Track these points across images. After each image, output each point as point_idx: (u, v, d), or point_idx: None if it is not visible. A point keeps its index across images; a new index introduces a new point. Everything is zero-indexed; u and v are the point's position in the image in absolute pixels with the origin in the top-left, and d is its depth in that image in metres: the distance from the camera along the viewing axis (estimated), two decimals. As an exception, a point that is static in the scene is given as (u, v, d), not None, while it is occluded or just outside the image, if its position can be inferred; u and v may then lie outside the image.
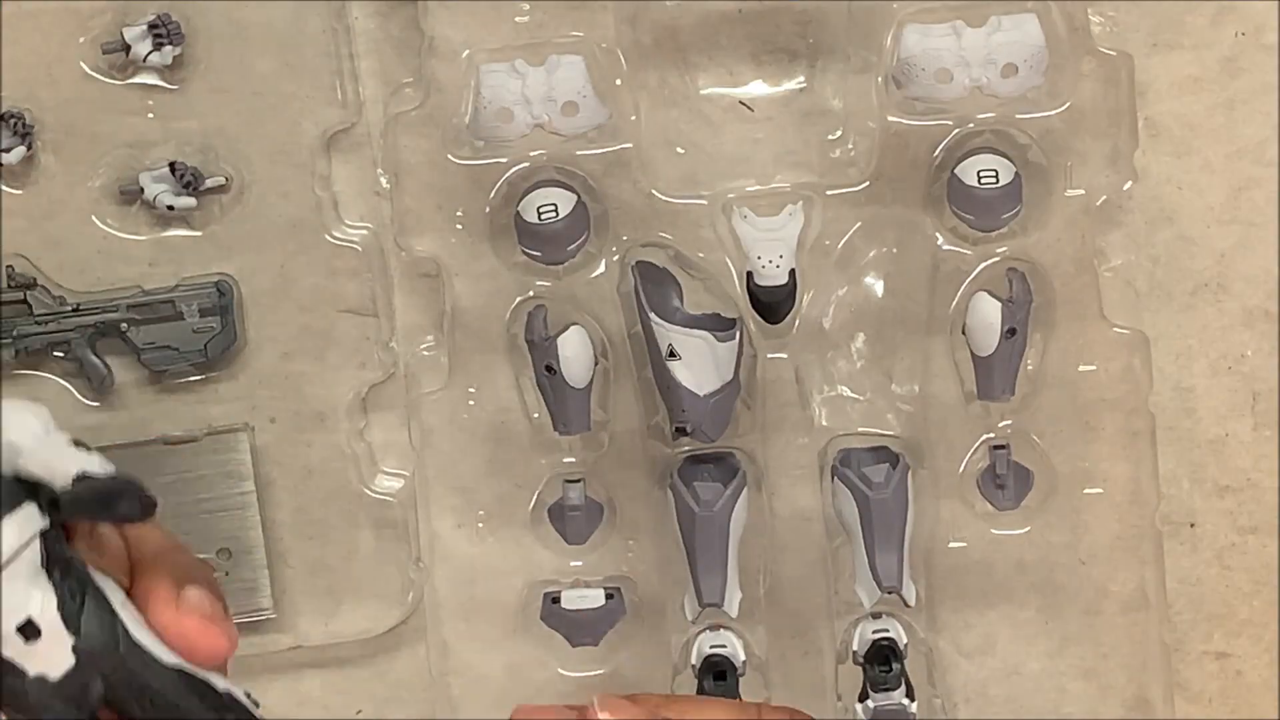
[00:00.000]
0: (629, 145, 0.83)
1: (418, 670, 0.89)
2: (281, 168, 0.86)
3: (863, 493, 0.83)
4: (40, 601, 0.54)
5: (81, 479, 0.53)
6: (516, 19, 0.84)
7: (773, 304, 0.83)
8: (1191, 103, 0.86)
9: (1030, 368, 0.85)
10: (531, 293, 0.85)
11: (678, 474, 0.84)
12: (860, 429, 0.86)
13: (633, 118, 0.83)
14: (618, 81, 0.83)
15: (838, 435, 0.86)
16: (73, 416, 0.87)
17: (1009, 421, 0.86)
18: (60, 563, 0.54)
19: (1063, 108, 0.83)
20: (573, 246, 0.84)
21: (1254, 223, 0.87)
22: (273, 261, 0.87)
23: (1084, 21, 0.83)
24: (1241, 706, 0.90)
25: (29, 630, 0.54)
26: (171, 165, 0.85)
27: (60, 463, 0.53)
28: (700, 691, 0.85)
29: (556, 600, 0.87)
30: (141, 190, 0.85)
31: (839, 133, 0.85)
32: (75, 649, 0.54)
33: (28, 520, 0.53)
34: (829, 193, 0.84)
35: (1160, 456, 0.87)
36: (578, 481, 0.87)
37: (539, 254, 0.84)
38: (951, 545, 0.87)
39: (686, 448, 0.85)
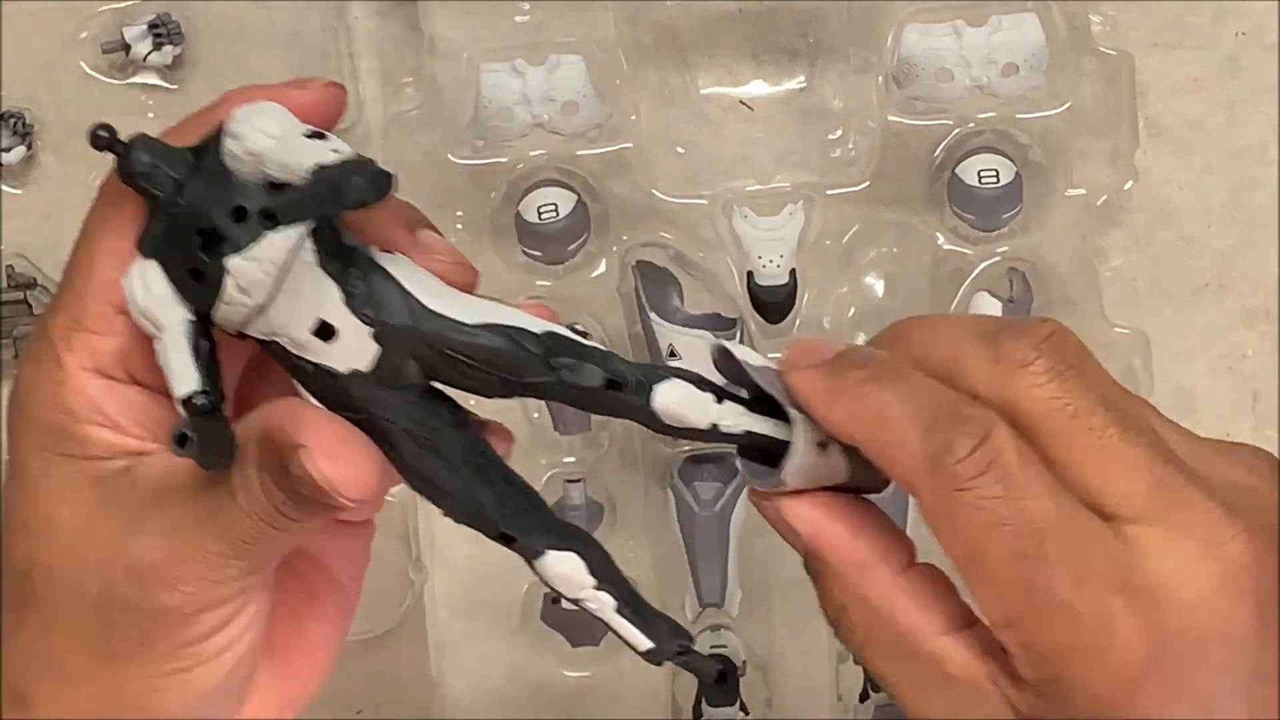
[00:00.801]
0: (629, 145, 0.83)
1: (418, 670, 0.89)
2: (281, 168, 0.86)
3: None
4: (327, 301, 0.53)
5: (317, 172, 0.52)
6: (516, 19, 0.84)
7: (773, 304, 0.83)
8: (1192, 103, 0.86)
9: (1030, 368, 0.85)
10: (532, 293, 0.85)
11: (678, 474, 0.84)
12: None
13: (633, 118, 0.83)
14: (618, 81, 0.83)
15: (838, 435, 0.86)
16: (73, 416, 0.87)
17: (1009, 421, 0.86)
18: (337, 255, 0.54)
19: (1063, 108, 0.83)
20: (573, 246, 0.84)
21: (1254, 223, 0.87)
22: (273, 261, 0.86)
23: (1084, 21, 0.83)
24: (1242, 706, 0.90)
25: (324, 331, 0.54)
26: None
27: (296, 160, 0.52)
28: (700, 692, 0.85)
29: (556, 600, 0.87)
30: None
31: (839, 133, 0.85)
32: (375, 336, 0.54)
33: (297, 231, 0.52)
34: (829, 193, 0.84)
35: (1160, 456, 0.87)
36: (578, 481, 0.86)
37: (539, 254, 0.84)
38: (952, 545, 0.87)
39: (686, 448, 0.85)
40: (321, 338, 0.54)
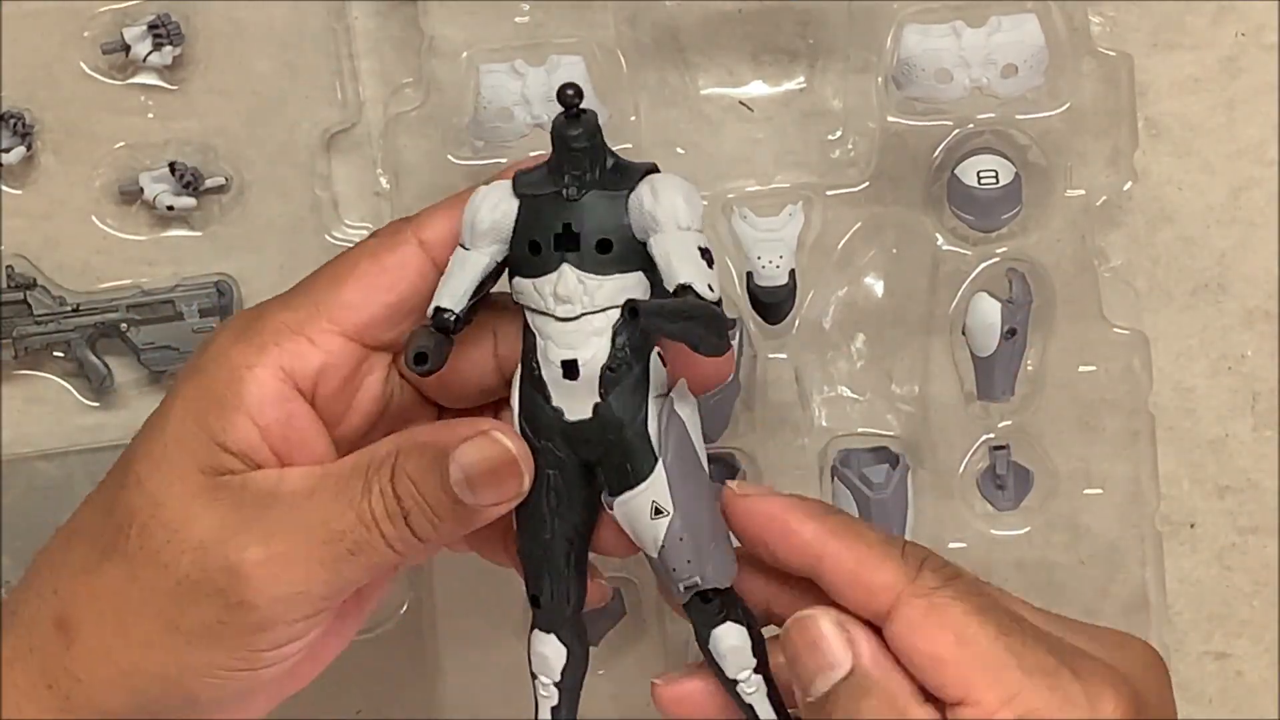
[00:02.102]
0: (629, 145, 0.83)
1: (418, 670, 0.89)
2: (281, 168, 0.86)
3: (863, 493, 0.83)
4: (591, 351, 0.60)
5: (683, 290, 0.58)
6: (516, 19, 0.84)
7: (773, 304, 0.83)
8: (1191, 103, 0.86)
9: (1030, 368, 0.85)
10: (531, 293, 0.85)
11: (678, 474, 0.84)
12: (860, 429, 0.86)
13: (633, 118, 0.83)
14: (618, 81, 0.83)
15: (838, 435, 0.86)
16: (73, 417, 0.87)
17: (1009, 422, 0.86)
18: (631, 333, 0.60)
19: (1063, 108, 0.83)
20: (573, 246, 0.84)
21: (1254, 223, 0.87)
22: (273, 261, 0.87)
23: (1084, 21, 0.83)
24: (1241, 706, 0.90)
25: (569, 368, 0.60)
26: (171, 165, 0.85)
27: (676, 262, 0.59)
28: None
29: (556, 600, 0.87)
30: (141, 190, 0.85)
31: (839, 133, 0.85)
32: (595, 407, 0.60)
33: (631, 286, 0.60)
34: (829, 193, 0.84)
35: (1160, 456, 0.87)
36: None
37: (539, 254, 0.84)
38: (951, 545, 0.87)
39: (686, 448, 0.85)
40: (564, 370, 0.60)
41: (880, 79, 0.83)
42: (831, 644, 0.59)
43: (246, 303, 0.86)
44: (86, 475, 0.86)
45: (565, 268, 0.60)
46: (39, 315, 0.85)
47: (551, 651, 0.66)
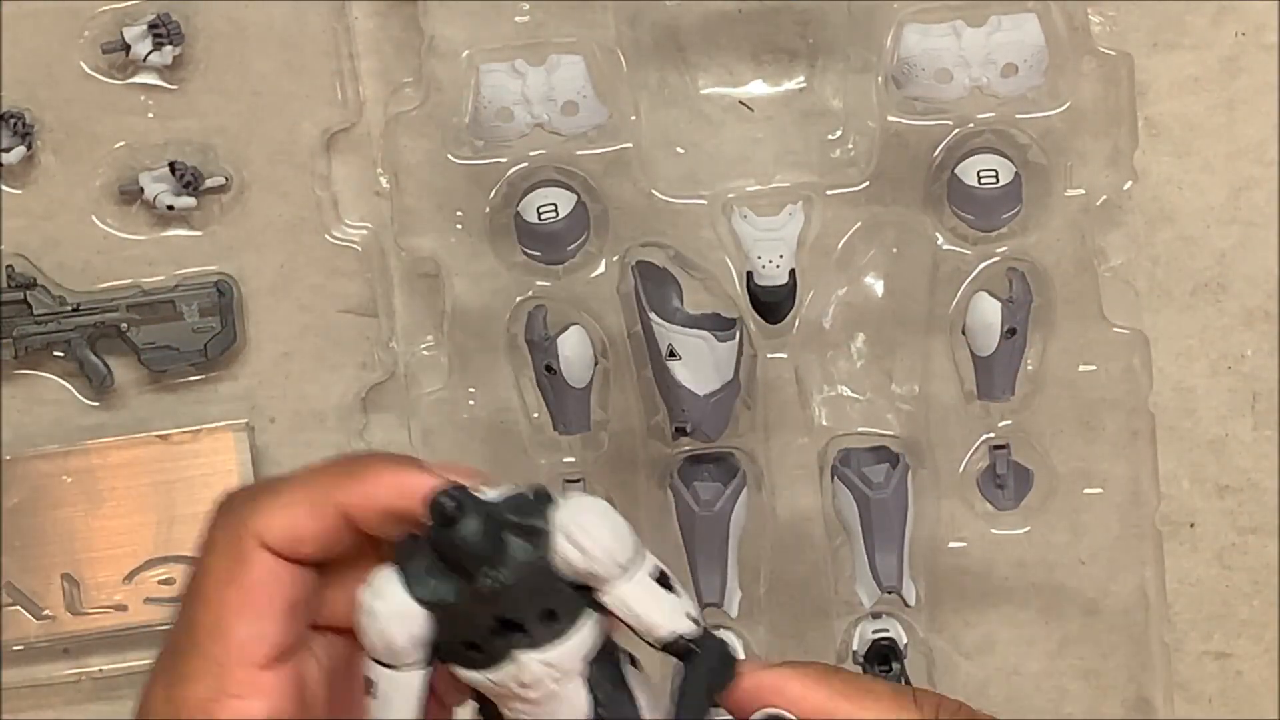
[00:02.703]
0: (629, 145, 0.83)
1: (418, 670, 0.89)
2: (281, 168, 0.86)
3: (863, 493, 0.83)
4: (579, 708, 0.55)
5: (673, 641, 0.55)
6: (516, 19, 0.84)
7: (773, 304, 0.83)
8: (1191, 103, 0.86)
9: (1030, 368, 0.85)
10: (531, 293, 0.85)
11: (678, 474, 0.84)
12: (860, 429, 0.86)
13: (633, 118, 0.83)
14: (618, 82, 0.83)
15: (838, 435, 0.86)
16: (73, 416, 0.87)
17: (1009, 421, 0.86)
18: (603, 667, 0.56)
19: (1063, 108, 0.83)
20: (573, 246, 0.84)
21: (1254, 223, 0.87)
22: (273, 261, 0.87)
23: (1084, 21, 0.83)
24: (1241, 706, 0.90)
25: None
26: (171, 165, 0.85)
27: (645, 614, 0.55)
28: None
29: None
30: (141, 190, 0.85)
31: (839, 133, 0.85)
32: None
33: (590, 636, 0.55)
34: (829, 193, 0.84)
35: (1160, 456, 0.87)
36: (578, 481, 0.86)
37: (539, 254, 0.84)
38: (951, 545, 0.87)
39: (686, 448, 0.85)
40: None
41: (880, 79, 0.83)
42: None
43: (246, 302, 0.86)
44: (86, 475, 0.86)
45: (518, 655, 0.54)
46: (39, 315, 0.85)
47: None
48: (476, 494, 0.54)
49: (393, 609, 0.54)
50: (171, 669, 0.57)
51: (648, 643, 0.55)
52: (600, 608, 0.55)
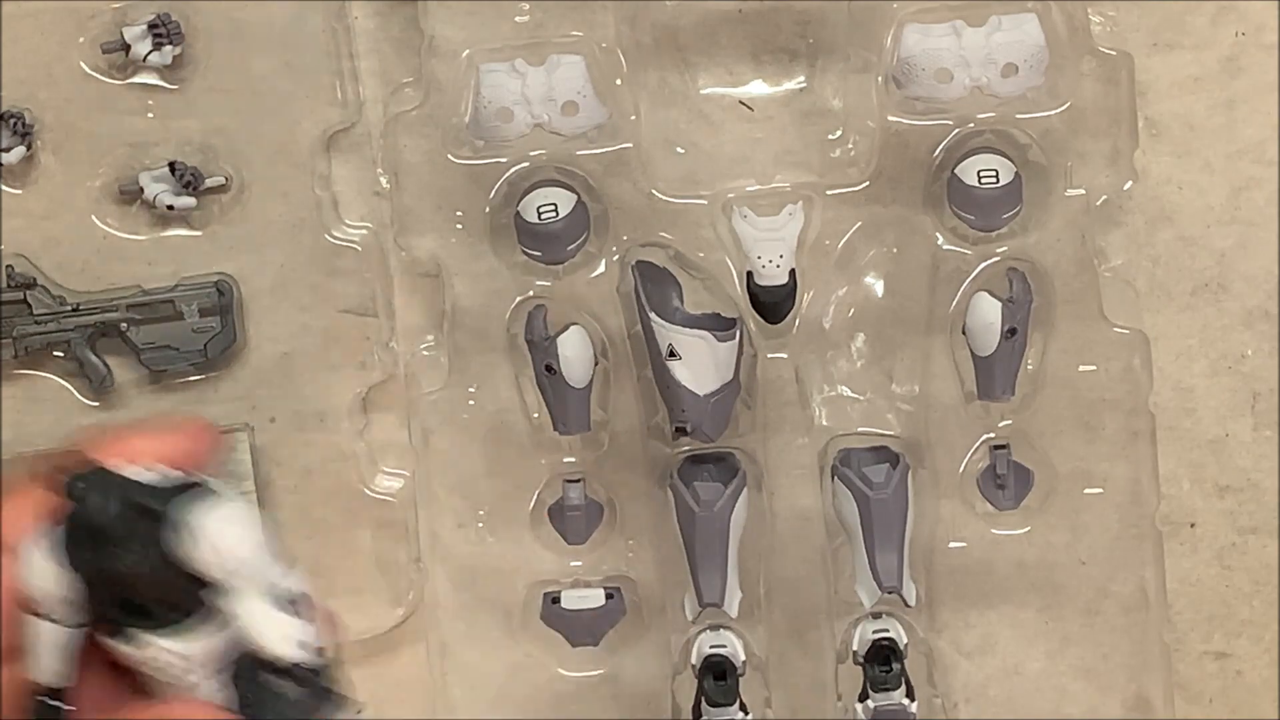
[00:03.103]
0: (629, 145, 0.83)
1: (418, 670, 0.89)
2: (281, 168, 0.86)
3: (863, 493, 0.83)
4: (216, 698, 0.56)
5: (284, 668, 0.55)
6: (516, 19, 0.84)
7: (773, 304, 0.83)
8: (1191, 103, 0.86)
9: (1030, 368, 0.85)
10: (531, 293, 0.85)
11: (678, 474, 0.84)
12: (860, 429, 0.86)
13: (633, 118, 0.83)
14: (618, 81, 0.83)
15: (838, 435, 0.86)
16: (73, 416, 0.87)
17: (1009, 421, 0.86)
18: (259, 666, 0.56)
19: (1063, 108, 0.83)
20: (573, 246, 0.84)
21: (1254, 223, 0.87)
22: (273, 261, 0.87)
23: (1084, 21, 0.83)
24: (1241, 706, 0.90)
25: None
26: (171, 165, 0.85)
27: (258, 632, 0.55)
28: (700, 691, 0.85)
29: (556, 600, 0.87)
30: (141, 190, 0.85)
31: (839, 133, 0.85)
32: None
33: (223, 643, 0.56)
34: (829, 193, 0.84)
35: (1160, 456, 0.87)
36: (578, 481, 0.87)
37: (539, 254, 0.84)
38: (951, 545, 0.87)
39: (686, 448, 0.85)
40: None
41: (880, 79, 0.83)
42: None
43: (246, 302, 0.86)
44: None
45: (144, 637, 0.55)
46: (39, 315, 0.85)
47: None
48: (122, 474, 0.55)
49: (43, 567, 0.55)
50: None
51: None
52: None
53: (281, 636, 0.55)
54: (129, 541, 0.54)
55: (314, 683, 0.56)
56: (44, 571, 0.55)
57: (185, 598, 0.55)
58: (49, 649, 0.56)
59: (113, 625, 0.56)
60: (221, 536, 0.54)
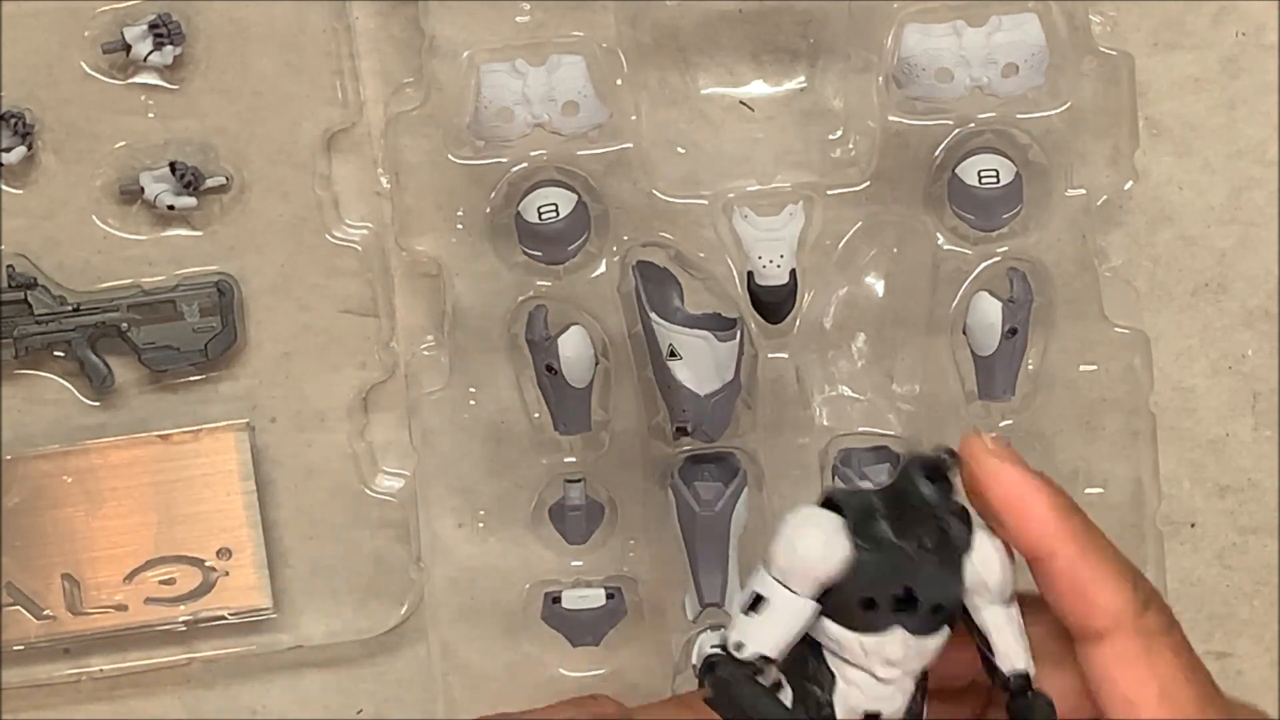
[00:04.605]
0: (629, 145, 0.83)
1: (418, 670, 0.89)
2: (281, 168, 0.86)
3: (863, 493, 0.83)
4: (895, 705, 0.59)
5: (1019, 678, 0.59)
6: (517, 19, 0.84)
7: (773, 304, 0.83)
8: (1192, 103, 0.86)
9: (1031, 367, 0.85)
10: (532, 293, 0.85)
11: (678, 474, 0.84)
12: (861, 429, 0.86)
13: (633, 118, 0.83)
14: (618, 81, 0.83)
15: (838, 435, 0.86)
16: (73, 416, 0.87)
17: (1009, 421, 0.86)
18: (923, 687, 0.59)
19: (1063, 108, 0.83)
20: (573, 246, 0.84)
21: (1254, 223, 0.87)
22: (273, 261, 0.87)
23: (1084, 21, 0.83)
24: (1242, 706, 0.90)
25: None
26: (172, 165, 0.85)
27: (1011, 645, 0.59)
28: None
29: (557, 600, 0.87)
30: (141, 190, 0.85)
31: (839, 133, 0.85)
32: None
33: (940, 644, 0.59)
34: (829, 192, 0.84)
35: (1160, 456, 0.87)
36: (578, 481, 0.86)
37: (539, 254, 0.84)
38: (952, 545, 0.87)
39: (687, 448, 0.85)
40: None
41: (881, 79, 0.83)
42: None
43: (246, 302, 0.86)
44: (87, 475, 0.86)
45: (898, 631, 0.57)
46: (39, 315, 0.85)
47: None
48: None
49: (825, 536, 0.57)
50: None
51: (987, 670, 0.59)
52: (952, 626, 0.58)
53: (1023, 650, 0.59)
54: (944, 532, 0.58)
55: (1042, 696, 0.59)
56: (830, 543, 0.57)
57: (949, 602, 0.58)
58: (787, 621, 0.57)
59: (854, 611, 0.57)
60: (1006, 560, 0.59)
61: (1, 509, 0.86)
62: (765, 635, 0.57)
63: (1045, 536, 0.59)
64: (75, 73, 0.85)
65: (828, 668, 0.58)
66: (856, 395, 0.86)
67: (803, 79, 0.86)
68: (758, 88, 0.86)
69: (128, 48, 0.84)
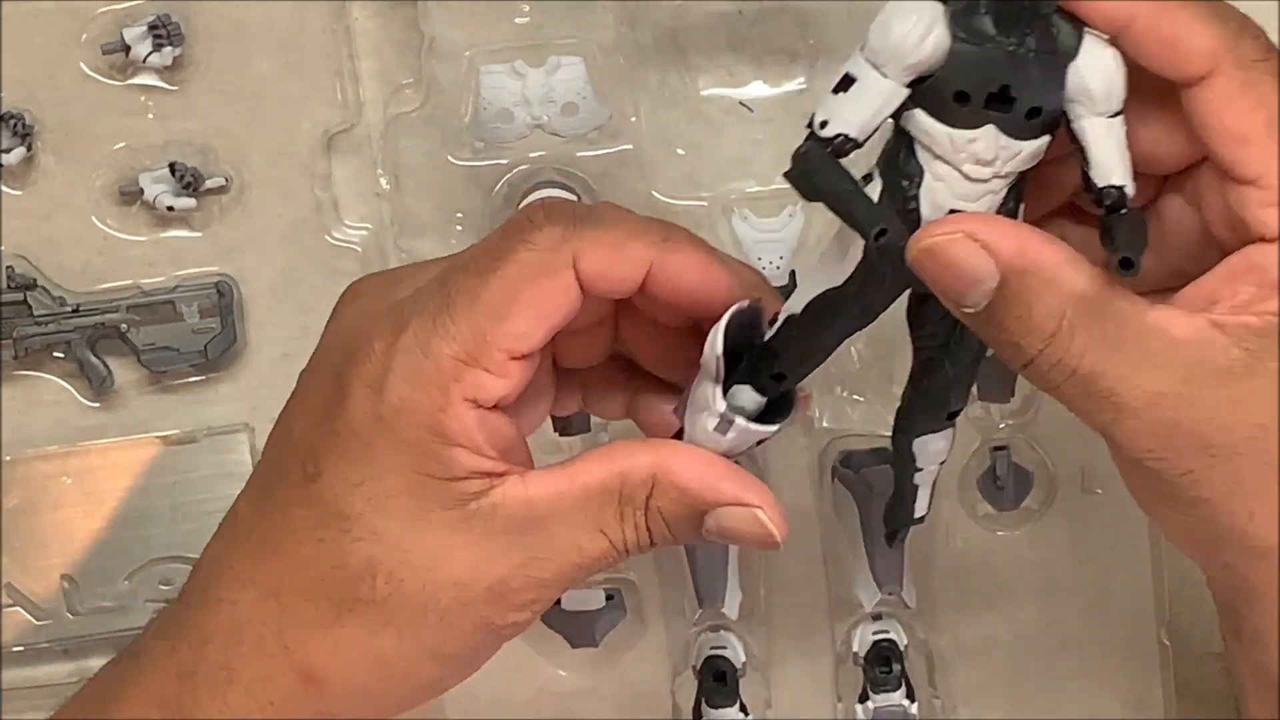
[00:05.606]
0: (629, 146, 0.83)
1: (418, 670, 0.89)
2: (281, 168, 0.86)
3: (863, 494, 0.83)
4: (983, 208, 0.58)
5: (1113, 190, 0.57)
6: (516, 20, 0.84)
7: (773, 305, 0.83)
8: (1192, 103, 0.86)
9: (1031, 368, 0.85)
10: (531, 293, 0.84)
11: (678, 475, 0.84)
12: (860, 429, 0.86)
13: (633, 119, 0.83)
14: (617, 83, 0.83)
15: (838, 435, 0.86)
16: (73, 417, 0.87)
17: (1009, 423, 0.86)
18: (1018, 195, 0.58)
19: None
20: (573, 247, 0.83)
21: (1254, 223, 0.87)
22: (273, 261, 0.87)
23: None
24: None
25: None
26: (171, 166, 0.85)
27: (1109, 158, 0.58)
28: (701, 692, 0.85)
29: (557, 601, 0.87)
30: (141, 191, 0.85)
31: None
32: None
33: (1038, 151, 0.57)
34: (829, 193, 0.84)
35: (1160, 457, 0.87)
36: (578, 482, 0.86)
37: (539, 255, 0.84)
38: (952, 546, 0.87)
39: (687, 448, 0.85)
40: None
41: (880, 80, 0.83)
42: (967, 264, 0.57)
43: (246, 302, 0.86)
44: (87, 475, 0.86)
45: (990, 129, 0.56)
46: (39, 315, 0.85)
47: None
48: None
49: (924, 19, 0.56)
50: (441, 313, 0.60)
51: (1084, 184, 0.57)
52: (1055, 126, 0.56)
53: (1126, 164, 0.57)
54: (1044, 31, 0.56)
55: (1137, 211, 0.58)
56: (929, 24, 0.56)
57: (1048, 108, 0.57)
58: (874, 103, 0.58)
59: (948, 104, 0.57)
60: (1119, 72, 0.58)
61: (1, 509, 0.86)
62: (849, 113, 0.57)
63: (1117, 9, 0.57)
64: (75, 74, 0.85)
65: (917, 161, 0.57)
66: (856, 396, 0.86)
67: (802, 80, 0.85)
68: (757, 89, 0.85)
69: (127, 49, 0.84)
